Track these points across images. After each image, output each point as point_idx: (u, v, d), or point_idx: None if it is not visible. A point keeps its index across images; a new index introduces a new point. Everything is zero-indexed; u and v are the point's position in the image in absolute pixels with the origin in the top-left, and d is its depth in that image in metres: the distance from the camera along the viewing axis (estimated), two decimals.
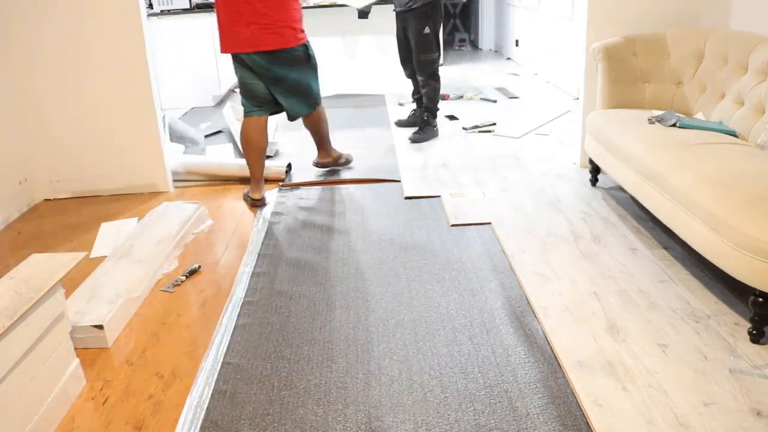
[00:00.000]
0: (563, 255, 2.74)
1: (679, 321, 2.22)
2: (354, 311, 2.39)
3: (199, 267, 2.79)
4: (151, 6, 5.92)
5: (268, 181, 3.83)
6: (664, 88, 3.35)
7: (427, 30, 4.33)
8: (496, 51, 9.10)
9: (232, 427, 1.82)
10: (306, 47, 3.44)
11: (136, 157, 3.71)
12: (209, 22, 6.04)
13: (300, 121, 3.66)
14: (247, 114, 3.48)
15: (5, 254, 3.03)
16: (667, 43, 3.37)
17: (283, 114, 3.61)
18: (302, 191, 3.64)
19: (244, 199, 3.54)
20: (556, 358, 2.05)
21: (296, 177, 3.89)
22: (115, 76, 3.56)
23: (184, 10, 6.01)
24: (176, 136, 4.42)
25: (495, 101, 5.77)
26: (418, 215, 3.24)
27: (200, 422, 1.84)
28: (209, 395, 1.95)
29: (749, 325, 2.10)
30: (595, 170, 3.48)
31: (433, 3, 4.27)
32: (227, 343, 2.22)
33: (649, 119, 3.01)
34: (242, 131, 3.49)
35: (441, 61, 5.09)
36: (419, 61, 4.45)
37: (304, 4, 6.09)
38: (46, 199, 3.73)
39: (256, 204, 3.45)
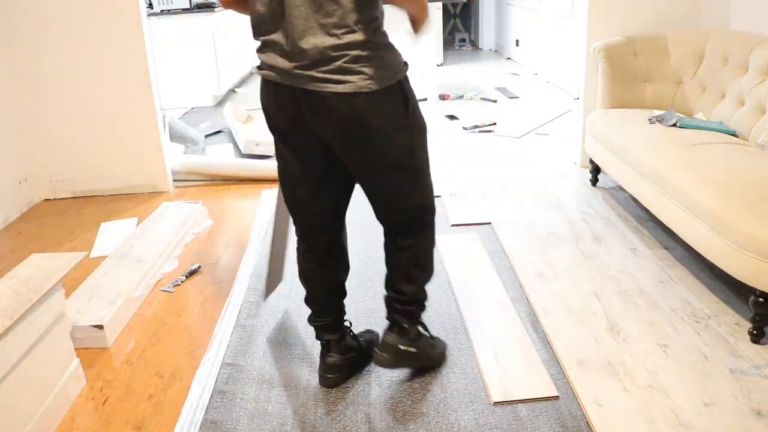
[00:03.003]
0: (563, 255, 2.73)
1: (679, 321, 2.22)
2: (354, 310, 2.38)
3: (199, 267, 2.79)
4: (151, 6, 5.92)
5: (268, 181, 3.83)
6: (664, 87, 3.35)
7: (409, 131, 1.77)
8: (496, 51, 9.10)
9: (231, 427, 1.82)
10: None
11: (136, 157, 3.70)
12: (209, 21, 6.05)
13: None
14: None
15: (5, 254, 3.03)
16: (668, 42, 3.37)
17: None
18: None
19: None
20: (556, 358, 2.05)
21: None
22: (115, 76, 3.56)
23: (184, 10, 6.00)
24: (176, 136, 4.42)
25: (495, 101, 5.77)
26: None
27: (200, 422, 1.84)
28: (209, 395, 1.95)
29: (750, 325, 2.10)
30: (596, 170, 3.48)
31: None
32: (227, 343, 2.22)
33: (649, 119, 3.01)
34: None
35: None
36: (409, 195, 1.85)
37: None
38: (46, 199, 3.73)
39: None
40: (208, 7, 6.11)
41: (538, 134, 4.64)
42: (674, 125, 2.89)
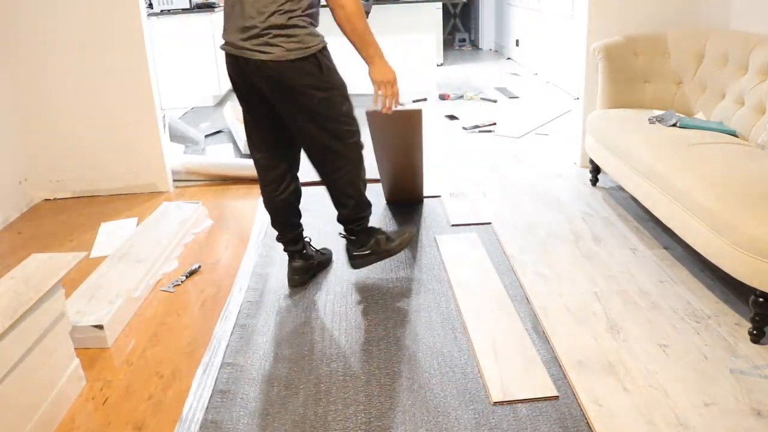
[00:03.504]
0: (563, 255, 2.73)
1: (679, 321, 2.22)
2: (354, 310, 2.39)
3: (199, 267, 2.79)
4: (151, 6, 5.92)
5: None
6: (664, 87, 3.35)
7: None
8: (496, 51, 9.10)
9: (232, 427, 1.82)
10: None
11: (136, 157, 3.70)
12: (209, 21, 6.05)
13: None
14: None
15: (5, 254, 3.03)
16: (668, 42, 3.37)
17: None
18: (302, 191, 3.63)
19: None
20: (556, 358, 2.05)
21: None
22: (116, 76, 3.56)
23: (184, 10, 6.01)
24: (176, 136, 4.42)
25: (495, 101, 5.77)
26: (418, 215, 3.24)
27: (200, 422, 1.84)
28: (209, 395, 1.95)
29: (750, 325, 2.10)
30: (596, 170, 3.48)
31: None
32: (227, 343, 2.22)
33: (649, 119, 3.01)
34: None
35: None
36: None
37: None
38: (46, 199, 3.73)
39: None
40: (208, 7, 6.12)
41: (538, 134, 4.64)
42: (674, 125, 2.89)
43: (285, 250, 2.59)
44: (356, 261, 2.53)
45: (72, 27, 3.47)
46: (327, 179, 2.44)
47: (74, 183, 3.73)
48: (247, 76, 2.22)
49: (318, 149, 2.35)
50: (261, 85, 2.21)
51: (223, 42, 2.26)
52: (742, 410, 1.78)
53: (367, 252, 2.52)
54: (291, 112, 2.26)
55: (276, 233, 2.57)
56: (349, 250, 2.55)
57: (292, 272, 2.58)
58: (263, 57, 2.12)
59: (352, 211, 2.47)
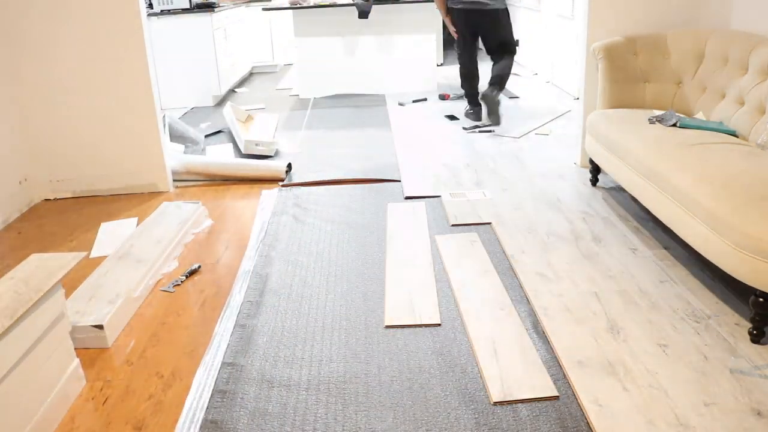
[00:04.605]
0: (563, 255, 2.74)
1: (679, 321, 2.22)
2: (354, 311, 2.39)
3: (199, 267, 2.79)
4: (151, 6, 5.92)
5: (268, 181, 3.84)
6: (664, 88, 3.35)
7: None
8: None
9: (232, 427, 1.82)
10: None
11: (136, 157, 3.71)
12: (209, 21, 6.05)
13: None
14: None
15: (5, 254, 3.03)
16: (668, 43, 3.37)
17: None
18: (302, 191, 3.64)
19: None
20: (556, 358, 2.05)
21: (296, 177, 3.89)
22: (115, 76, 3.56)
23: (184, 10, 6.01)
24: (176, 136, 4.42)
25: None
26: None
27: (200, 422, 1.84)
28: (209, 395, 1.95)
29: (750, 325, 2.10)
30: (596, 170, 3.48)
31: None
32: (227, 343, 2.22)
33: (649, 119, 3.01)
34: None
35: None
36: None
37: (304, 4, 6.09)
38: (46, 199, 3.73)
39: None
40: (208, 7, 6.12)
41: (538, 134, 4.64)
42: (674, 125, 2.89)
43: (470, 101, 5.19)
44: (488, 97, 4.84)
45: (72, 27, 3.47)
46: (500, 61, 4.99)
47: (74, 183, 3.73)
48: (477, 18, 4.84)
49: (503, 47, 4.98)
50: (484, 19, 4.84)
51: (460, 4, 4.85)
52: (742, 410, 1.78)
53: (499, 99, 4.89)
54: (497, 31, 4.91)
55: (468, 87, 5.19)
56: (488, 94, 4.84)
57: (487, 109, 4.89)
58: (493, 6, 4.77)
59: (502, 79, 4.92)
